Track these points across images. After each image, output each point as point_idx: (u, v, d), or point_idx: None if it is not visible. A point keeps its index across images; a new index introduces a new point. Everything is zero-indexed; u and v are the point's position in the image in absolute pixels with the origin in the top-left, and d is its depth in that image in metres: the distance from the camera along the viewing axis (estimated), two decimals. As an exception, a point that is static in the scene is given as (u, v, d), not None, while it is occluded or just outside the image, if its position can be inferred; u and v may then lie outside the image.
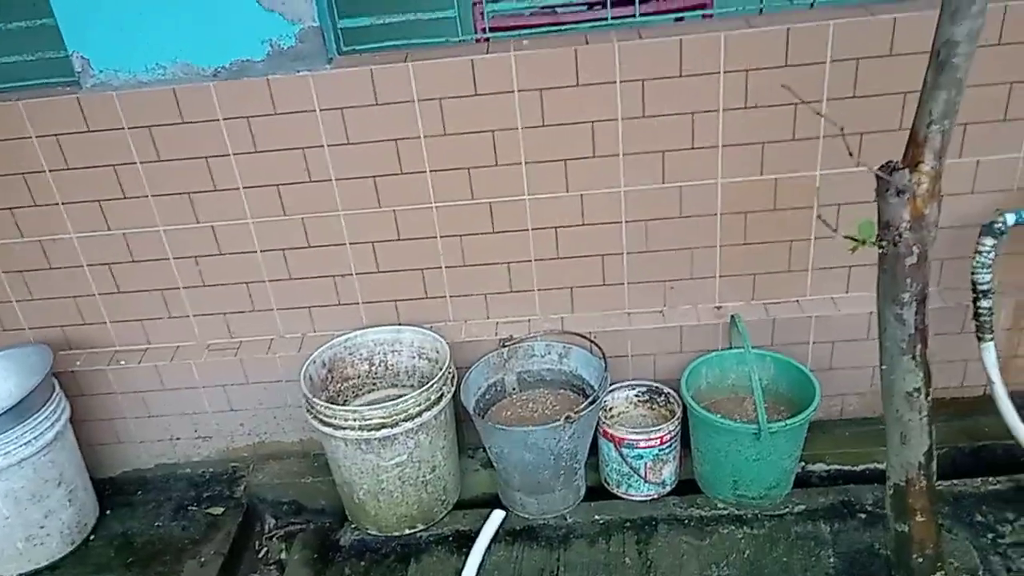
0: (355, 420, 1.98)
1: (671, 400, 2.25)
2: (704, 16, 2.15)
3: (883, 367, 1.61)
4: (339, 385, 2.30)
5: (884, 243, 1.52)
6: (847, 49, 1.99)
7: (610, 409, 2.27)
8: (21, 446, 2.10)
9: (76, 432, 2.34)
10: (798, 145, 2.09)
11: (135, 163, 2.17)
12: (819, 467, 2.29)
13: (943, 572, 1.67)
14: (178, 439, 2.52)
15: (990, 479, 2.16)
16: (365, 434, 1.99)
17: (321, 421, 2.04)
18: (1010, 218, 2.02)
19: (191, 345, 2.43)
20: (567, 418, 1.98)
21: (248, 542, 2.40)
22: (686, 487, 2.26)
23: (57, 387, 2.26)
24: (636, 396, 2.31)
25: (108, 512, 2.43)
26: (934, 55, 1.44)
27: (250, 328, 2.40)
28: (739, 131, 2.08)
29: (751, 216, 2.19)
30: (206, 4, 2.00)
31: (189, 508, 2.43)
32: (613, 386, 2.30)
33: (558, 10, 2.47)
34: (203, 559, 2.25)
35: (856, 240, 1.53)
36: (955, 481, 2.17)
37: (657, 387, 2.29)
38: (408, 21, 2.13)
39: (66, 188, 2.21)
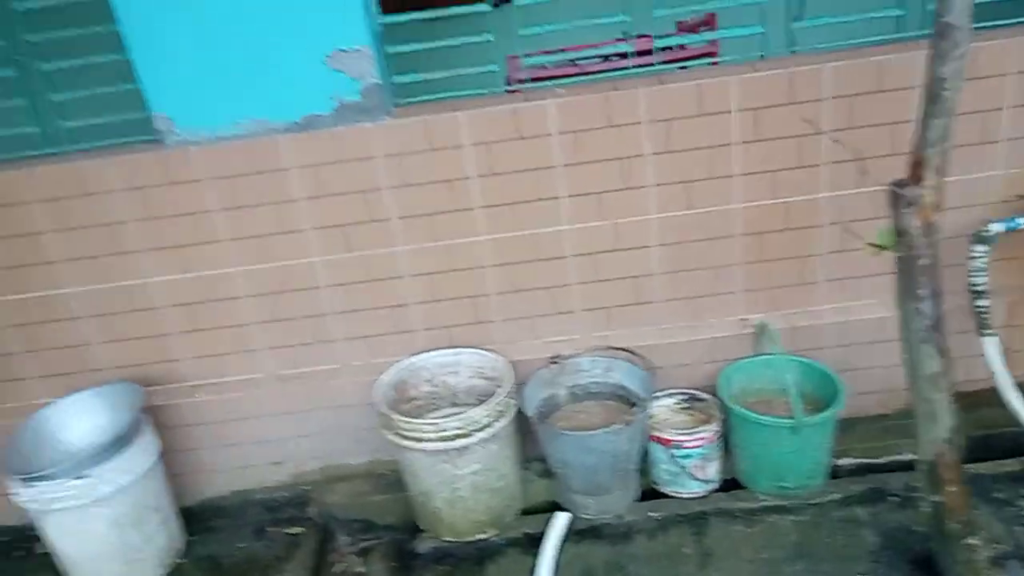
0: (434, 432, 2.19)
1: (709, 405, 2.48)
2: (712, 63, 2.42)
3: (905, 356, 1.85)
4: (405, 405, 2.51)
5: (901, 248, 1.78)
6: (841, 87, 2.27)
7: (653, 416, 2.49)
8: (124, 473, 2.29)
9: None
10: (804, 171, 2.36)
11: (213, 211, 2.40)
12: (847, 461, 2.50)
13: (975, 535, 1.89)
14: (252, 466, 2.71)
15: (1002, 461, 2.39)
16: (443, 444, 2.20)
17: (400, 435, 2.24)
18: (997, 226, 2.29)
19: (261, 377, 2.64)
20: (625, 421, 2.20)
21: (325, 559, 2.58)
22: (729, 485, 2.47)
23: (148, 420, 2.46)
24: (676, 404, 2.53)
25: (193, 537, 2.60)
26: (927, 90, 1.72)
27: (316, 358, 2.61)
28: (752, 161, 2.34)
29: (767, 236, 2.44)
30: (279, 67, 2.25)
31: (267, 529, 2.60)
32: (654, 395, 2.52)
33: (578, 62, 2.75)
34: (290, 574, 2.42)
35: (879, 246, 1.78)
36: (972, 465, 2.39)
37: (695, 393, 2.52)
38: (453, 76, 2.40)
39: (149, 236, 2.43)
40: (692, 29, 2.98)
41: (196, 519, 2.68)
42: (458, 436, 2.19)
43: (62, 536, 2.32)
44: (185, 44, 2.22)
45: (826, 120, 2.28)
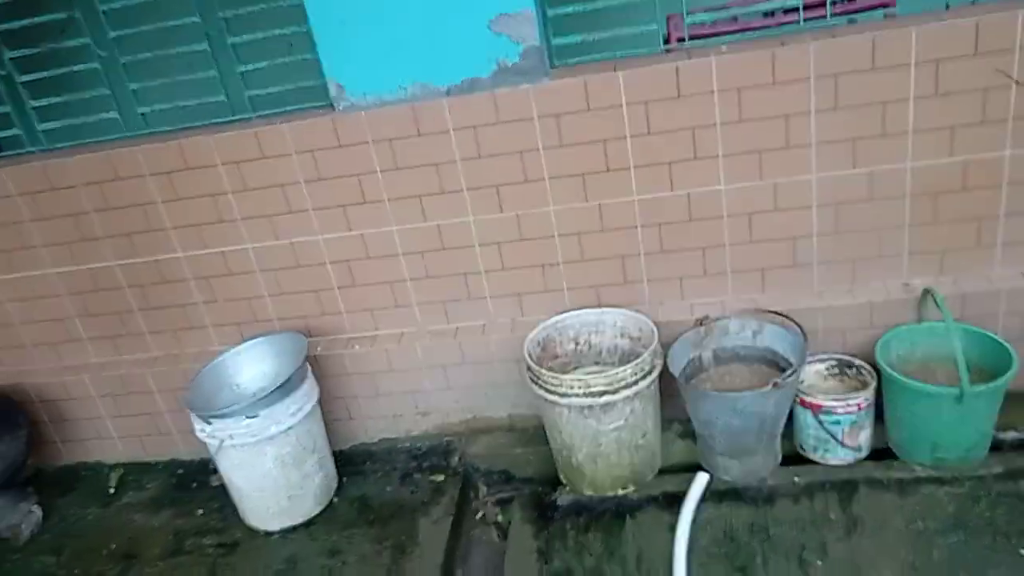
0: (580, 388, 2.24)
1: (862, 372, 2.41)
2: (887, 16, 2.31)
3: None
4: (550, 363, 2.57)
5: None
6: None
7: (803, 381, 2.45)
8: (289, 415, 2.47)
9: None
10: (988, 126, 2.23)
11: (376, 172, 2.51)
12: (1011, 435, 2.37)
13: None
14: (400, 415, 2.85)
15: None
16: (588, 400, 2.24)
17: (547, 390, 2.30)
18: None
19: (414, 331, 2.76)
20: (775, 384, 2.18)
21: (468, 506, 2.70)
22: (880, 455, 2.40)
23: (310, 368, 2.63)
24: (826, 369, 2.48)
25: (344, 480, 2.78)
26: None
27: (466, 314, 2.71)
28: (929, 117, 2.23)
29: (941, 196, 2.33)
30: (445, 31, 2.32)
31: (413, 475, 2.74)
32: (807, 359, 2.47)
33: (738, 18, 2.67)
34: (435, 518, 2.55)
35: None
36: None
37: (848, 360, 2.45)
38: (611, 37, 2.39)
39: (317, 197, 2.57)
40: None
41: (349, 462, 2.85)
42: (604, 393, 2.22)
43: (234, 469, 2.53)
44: (360, 13, 2.32)
45: (1018, 71, 2.15)
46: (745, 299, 2.54)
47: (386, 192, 2.54)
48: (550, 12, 2.38)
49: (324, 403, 2.75)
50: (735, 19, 2.46)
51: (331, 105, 2.47)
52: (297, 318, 2.79)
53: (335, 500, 2.70)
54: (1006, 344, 2.25)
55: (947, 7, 2.23)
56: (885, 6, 2.40)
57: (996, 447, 2.36)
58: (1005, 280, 2.39)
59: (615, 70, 2.31)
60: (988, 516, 2.13)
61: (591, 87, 2.33)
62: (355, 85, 2.43)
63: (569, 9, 2.38)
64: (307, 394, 2.55)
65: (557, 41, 2.41)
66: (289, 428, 2.48)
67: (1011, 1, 2.16)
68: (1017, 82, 2.06)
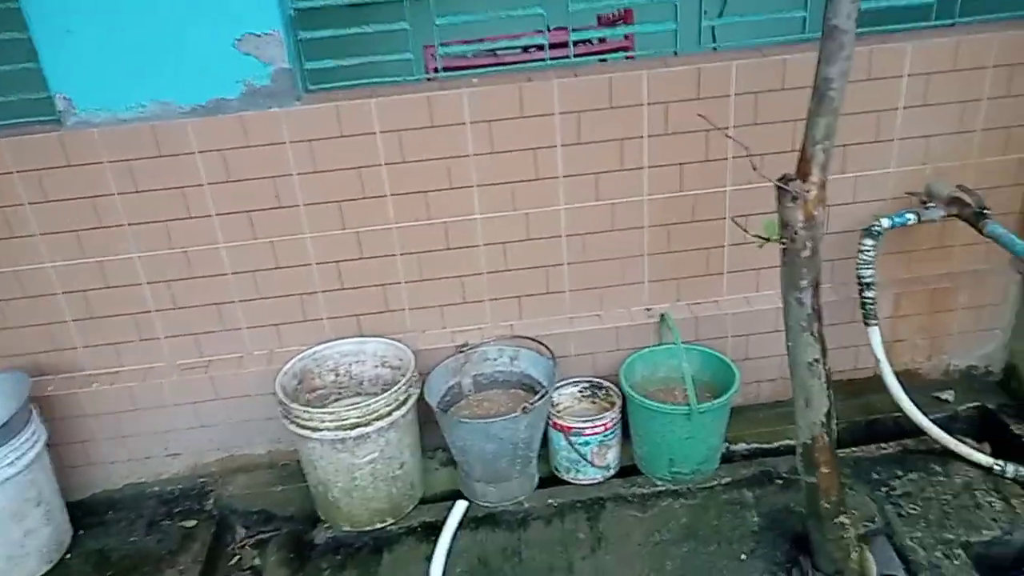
0: (332, 421, 2.18)
1: (611, 393, 2.54)
2: (627, 58, 2.49)
3: (788, 344, 1.94)
4: (308, 396, 2.48)
5: (784, 240, 1.86)
6: (747, 84, 2.36)
7: (557, 404, 2.53)
8: (4, 467, 2.19)
9: (49, 455, 2.43)
10: (711, 165, 2.44)
11: (113, 195, 2.32)
12: (741, 446, 2.60)
13: (845, 514, 2.00)
14: (149, 458, 2.63)
15: (882, 445, 2.54)
16: (341, 433, 2.18)
17: (299, 425, 2.22)
18: (885, 222, 2.42)
19: (162, 366, 2.56)
20: (524, 408, 2.24)
21: (222, 552, 2.52)
22: (628, 472, 2.53)
23: (35, 411, 2.36)
24: (580, 392, 2.59)
25: (82, 532, 2.50)
26: (815, 90, 1.80)
27: (220, 346, 2.55)
28: (661, 154, 2.41)
29: (673, 228, 2.52)
30: (187, 49, 2.20)
31: (162, 523, 2.53)
32: (559, 383, 2.56)
33: (498, 52, 2.77)
34: (181, 568, 2.36)
35: (763, 238, 1.87)
36: (854, 448, 2.53)
37: (598, 382, 2.57)
38: (367, 64, 2.38)
39: (44, 220, 2.33)
40: (612, 23, 3.05)
41: (89, 512, 2.58)
42: (357, 425, 2.18)
43: (-61, 530, 2.21)
44: (87, 21, 2.15)
45: (733, 116, 2.37)
46: (504, 326, 2.60)
47: (126, 216, 2.36)
48: (302, 35, 2.33)
49: (56, 448, 2.48)
50: (494, 53, 2.55)
51: (59, 120, 2.26)
52: (21, 355, 2.50)
53: (68, 557, 2.42)
54: (730, 363, 2.46)
55: (675, 54, 2.43)
56: (625, 49, 2.58)
57: (729, 459, 2.58)
58: (731, 305, 2.62)
59: (369, 97, 2.30)
60: (715, 525, 2.30)
61: (344, 113, 2.30)
62: (86, 100, 2.24)
63: (322, 33, 2.34)
64: (30, 440, 2.28)
65: (311, 65, 2.36)
66: (6, 480, 2.20)
67: (729, 51, 2.41)
68: (716, 127, 2.27)
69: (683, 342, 2.53)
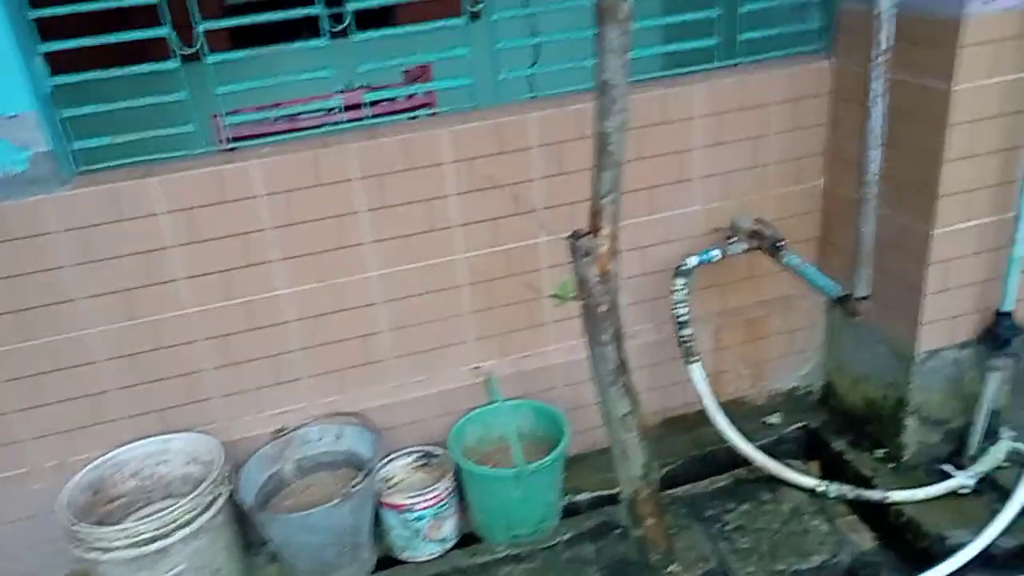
0: (125, 538, 1.95)
1: (444, 461, 2.44)
2: (432, 114, 2.43)
3: (599, 399, 1.92)
4: (107, 507, 2.23)
5: (582, 297, 1.84)
6: (549, 135, 2.36)
7: (391, 479, 2.41)
8: None
9: None
10: (521, 219, 2.41)
11: None
12: (583, 496, 2.56)
13: (676, 564, 1.99)
14: (-77, 600, 2.29)
15: (716, 478, 2.57)
16: (136, 551, 1.96)
17: (87, 547, 1.98)
18: (693, 260, 2.47)
19: (-70, 493, 2.25)
20: (344, 494, 2.10)
21: None
22: (469, 540, 2.43)
23: None
24: (413, 462, 2.47)
25: None
26: (596, 144, 1.80)
27: None
28: (471, 211, 2.36)
29: (493, 283, 2.47)
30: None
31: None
32: (391, 456, 2.44)
33: (299, 117, 2.65)
34: None
35: (559, 297, 1.84)
36: (690, 485, 2.55)
37: (430, 450, 2.47)
38: (149, 139, 2.20)
39: None
40: (416, 80, 3.00)
41: None
42: (154, 538, 1.96)
43: None
44: None
45: (539, 168, 2.36)
46: (326, 403, 2.46)
47: None
48: (65, 113, 2.13)
49: None
50: (292, 118, 2.43)
51: None
52: None
53: None
54: (559, 415, 2.42)
55: (474, 108, 2.40)
56: (429, 105, 2.53)
57: (574, 510, 2.53)
58: (559, 354, 2.60)
59: (147, 176, 2.13)
60: (559, 584, 2.25)
61: (123, 194, 2.11)
62: None
63: (88, 109, 2.15)
64: None
65: (79, 144, 2.16)
66: None
67: (527, 102, 2.40)
68: (499, 184, 2.24)
69: (514, 397, 2.48)
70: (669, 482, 2.60)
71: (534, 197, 2.39)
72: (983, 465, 2.46)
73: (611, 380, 1.88)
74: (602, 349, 1.86)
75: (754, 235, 2.51)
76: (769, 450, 2.71)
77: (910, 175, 2.32)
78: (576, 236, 1.83)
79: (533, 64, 2.48)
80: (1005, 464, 2.49)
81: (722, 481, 2.56)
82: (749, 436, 2.66)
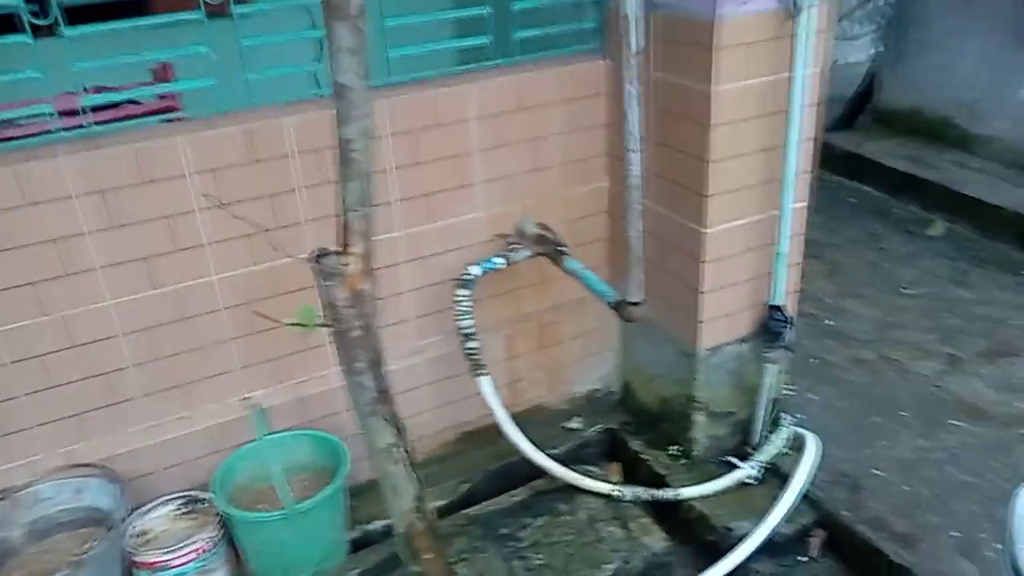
0: None
1: (213, 505, 2.19)
2: (178, 119, 2.15)
3: (360, 429, 1.76)
4: None
5: (329, 322, 1.67)
6: (309, 142, 2.16)
7: (146, 533, 2.13)
8: None
9: None
10: (283, 233, 2.19)
11: None
12: (376, 525, 2.39)
13: (457, 599, 1.87)
14: None
15: (513, 492, 2.49)
16: None
17: None
18: (476, 270, 2.36)
19: None
20: (76, 561, 1.81)
21: None
22: (247, 588, 2.21)
23: None
24: (175, 510, 2.20)
25: None
26: (339, 153, 1.63)
27: None
28: (220, 228, 2.11)
29: (259, 304, 2.23)
30: None
31: None
32: (148, 506, 2.16)
33: (10, 125, 2.26)
34: None
35: (302, 325, 1.65)
36: (487, 503, 2.45)
37: (196, 495, 2.21)
38: None
39: None
40: (161, 80, 2.66)
41: None
42: None
43: None
44: None
45: (300, 176, 2.16)
46: (63, 452, 2.13)
47: None
48: None
49: None
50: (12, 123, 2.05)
51: None
52: None
53: None
54: (338, 444, 2.24)
55: (220, 113, 2.15)
56: (172, 110, 2.24)
57: (366, 542, 2.36)
58: (339, 378, 2.39)
59: None
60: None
61: None
62: None
63: None
64: None
65: None
66: None
67: (278, 106, 2.18)
68: (221, 203, 2.02)
69: (292, 427, 2.27)
70: (467, 500, 2.50)
71: (298, 210, 2.19)
72: (766, 454, 2.54)
73: (371, 410, 1.71)
74: (358, 377, 1.70)
75: (539, 240, 2.44)
76: (572, 455, 2.68)
77: (682, 176, 2.33)
78: (320, 256, 1.65)
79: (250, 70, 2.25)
80: (787, 451, 2.58)
81: (520, 495, 2.48)
82: (550, 443, 2.62)
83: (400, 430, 1.77)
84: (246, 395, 2.30)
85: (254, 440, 2.26)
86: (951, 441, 2.76)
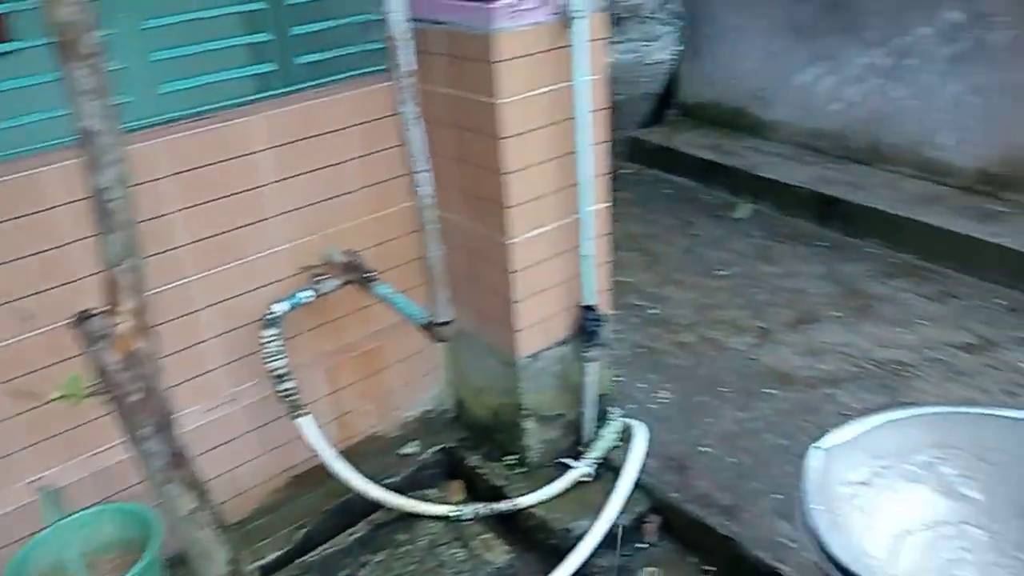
0: None
1: (6, 605, 1.96)
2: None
3: (156, 500, 1.63)
4: None
5: (102, 390, 1.53)
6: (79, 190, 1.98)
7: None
8: None
9: None
10: (59, 292, 2.01)
11: None
12: (206, 591, 2.25)
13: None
14: None
15: (352, 529, 2.42)
16: None
17: None
18: (281, 307, 2.27)
19: None
20: None
21: None
22: None
23: None
24: (-41, 620, 1.96)
25: None
26: (94, 205, 1.49)
27: None
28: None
29: (28, 377, 2.00)
30: None
31: None
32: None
33: None
34: None
35: (70, 397, 1.51)
36: (326, 545, 2.37)
37: (-17, 598, 1.98)
38: None
39: None
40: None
41: None
42: None
43: None
44: None
45: (68, 230, 1.97)
46: None
47: None
48: None
49: None
50: None
51: None
52: None
53: None
54: (147, 513, 2.07)
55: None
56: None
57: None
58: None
59: None
60: None
61: None
62: None
63: None
64: None
65: None
66: None
67: (49, 152, 1.99)
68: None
69: (95, 503, 2.08)
70: (305, 546, 2.39)
71: (72, 267, 2.01)
72: (598, 450, 2.61)
73: (165, 476, 1.59)
74: (145, 444, 1.57)
75: (348, 268, 2.37)
76: (411, 481, 2.63)
77: (482, 189, 2.35)
78: (82, 318, 1.51)
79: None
80: (618, 443, 2.66)
81: (359, 531, 2.41)
82: (388, 473, 2.56)
83: (202, 492, 1.65)
84: (34, 478, 2.08)
85: (61, 520, 2.05)
86: (766, 409, 2.96)
